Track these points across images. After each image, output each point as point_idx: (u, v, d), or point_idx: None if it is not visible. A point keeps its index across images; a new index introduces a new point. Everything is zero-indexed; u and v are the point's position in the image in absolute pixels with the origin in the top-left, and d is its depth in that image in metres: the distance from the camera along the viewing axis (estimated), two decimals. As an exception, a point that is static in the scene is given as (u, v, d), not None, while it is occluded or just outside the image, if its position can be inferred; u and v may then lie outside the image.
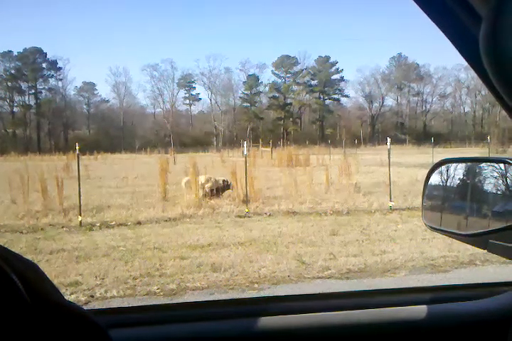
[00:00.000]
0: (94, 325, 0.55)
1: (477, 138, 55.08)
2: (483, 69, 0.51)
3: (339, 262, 5.83)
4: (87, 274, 5.37)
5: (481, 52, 0.48)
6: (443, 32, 0.69)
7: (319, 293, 1.14)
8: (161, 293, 4.77)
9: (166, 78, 70.52)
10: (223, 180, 11.36)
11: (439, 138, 47.71)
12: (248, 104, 71.60)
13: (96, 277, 5.28)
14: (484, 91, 57.53)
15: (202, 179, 11.13)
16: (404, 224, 8.13)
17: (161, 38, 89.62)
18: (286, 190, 11.69)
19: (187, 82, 71.61)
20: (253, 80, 70.92)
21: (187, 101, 73.86)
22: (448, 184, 0.99)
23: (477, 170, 0.94)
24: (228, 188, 11.28)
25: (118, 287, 4.95)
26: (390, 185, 10.29)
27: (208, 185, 11.07)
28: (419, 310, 1.05)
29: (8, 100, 60.76)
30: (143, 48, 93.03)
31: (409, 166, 19.19)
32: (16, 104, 62.44)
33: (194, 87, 72.72)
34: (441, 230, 0.96)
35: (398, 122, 70.82)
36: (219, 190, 11.25)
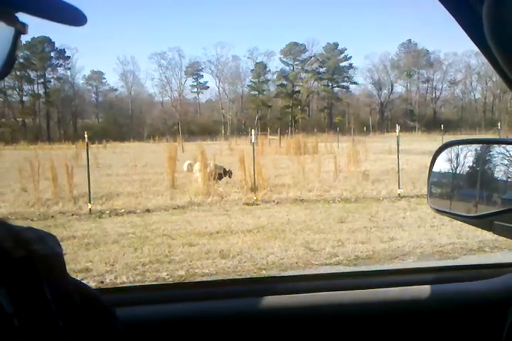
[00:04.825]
0: (101, 303, 0.56)
1: (487, 124, 54.46)
2: (488, 48, 0.50)
3: (347, 249, 5.85)
4: (97, 261, 5.44)
5: (484, 29, 0.48)
6: (448, 11, 0.68)
7: (325, 273, 1.15)
8: (170, 279, 4.82)
9: (174, 66, 70.31)
10: (224, 168, 11.46)
11: (448, 125, 47.18)
12: (256, 92, 71.23)
13: (106, 263, 5.35)
14: (495, 77, 56.67)
15: (197, 165, 11.22)
16: (412, 212, 8.12)
17: (168, 26, 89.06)
18: (295, 177, 11.69)
19: (195, 70, 71.30)
20: (261, 68, 70.43)
21: (195, 90, 73.67)
22: (454, 166, 0.98)
23: (484, 152, 0.93)
24: (228, 174, 11.37)
25: (127, 273, 5.01)
26: (399, 172, 10.25)
27: (208, 170, 11.12)
28: (424, 290, 1.05)
29: (17, 89, 60.99)
30: (150, 36, 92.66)
31: (419, 153, 19.06)
32: (25, 93, 62.71)
33: (202, 75, 72.47)
34: (447, 212, 0.96)
35: (407, 109, 70.11)
36: (221, 175, 11.32)
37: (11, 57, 0.42)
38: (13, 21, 0.40)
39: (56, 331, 0.44)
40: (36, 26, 0.40)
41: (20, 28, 0.41)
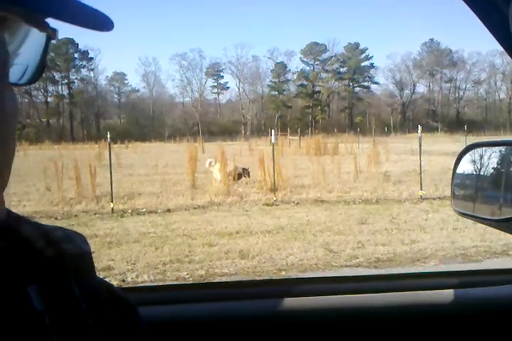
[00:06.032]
0: (124, 301, 0.57)
1: (513, 125, 53.25)
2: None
3: (367, 251, 5.79)
4: (118, 259, 5.52)
5: (511, 30, 0.47)
6: (472, 10, 0.67)
7: (344, 276, 1.15)
8: (191, 279, 4.86)
9: (195, 67, 70.81)
10: (243, 168, 11.53)
11: (472, 126, 46.31)
12: (276, 93, 71.14)
13: (127, 262, 5.43)
14: (521, 76, 55.37)
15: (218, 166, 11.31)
16: (435, 214, 7.99)
17: (190, 27, 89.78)
18: (315, 178, 11.63)
19: (215, 71, 71.66)
20: (281, 68, 70.33)
21: (215, 90, 74.00)
22: (478, 168, 0.97)
23: (508, 153, 0.91)
24: (247, 175, 11.44)
25: (148, 272, 5.07)
26: (421, 173, 10.10)
27: (228, 172, 11.20)
28: (443, 295, 1.04)
29: (42, 90, 62.22)
30: (172, 37, 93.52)
31: (441, 154, 18.77)
32: (49, 94, 63.96)
33: (222, 76, 72.77)
34: (470, 215, 0.94)
35: (430, 110, 69.05)
36: (240, 175, 11.39)
37: (42, 63, 0.43)
38: (44, 27, 0.41)
39: (86, 329, 0.45)
40: (61, 28, 0.42)
41: (51, 34, 0.42)
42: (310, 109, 70.50)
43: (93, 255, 0.52)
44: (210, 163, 11.69)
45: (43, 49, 0.43)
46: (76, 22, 0.39)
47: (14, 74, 0.41)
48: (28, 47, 0.42)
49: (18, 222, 0.46)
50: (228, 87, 74.32)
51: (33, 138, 44.06)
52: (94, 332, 0.45)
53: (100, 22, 0.41)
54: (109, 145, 10.16)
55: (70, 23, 0.38)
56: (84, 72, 66.77)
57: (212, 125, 66.34)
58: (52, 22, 0.41)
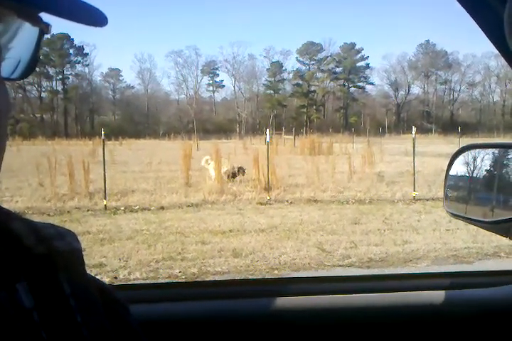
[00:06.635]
0: (115, 299, 0.57)
1: (506, 128, 53.64)
2: (508, 50, 0.50)
3: (360, 251, 5.81)
4: (111, 256, 5.50)
5: (505, 31, 0.47)
6: (467, 12, 0.67)
7: (338, 276, 1.15)
8: (183, 277, 4.85)
9: (190, 65, 70.75)
10: (238, 167, 11.60)
11: (466, 128, 46.57)
12: (271, 92, 71.18)
13: (120, 259, 5.41)
14: (516, 79, 55.68)
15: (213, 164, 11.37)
16: (427, 215, 8.03)
17: (186, 25, 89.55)
18: (309, 177, 11.65)
19: (211, 69, 71.58)
20: (277, 67, 70.36)
21: (210, 88, 73.93)
22: (471, 170, 0.97)
23: (501, 156, 0.92)
24: (242, 174, 11.48)
25: (141, 269, 5.06)
26: (414, 174, 10.14)
27: (224, 170, 11.21)
28: (438, 296, 1.04)
29: (36, 85, 61.85)
30: (168, 34, 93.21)
31: (435, 156, 18.85)
32: (43, 90, 63.60)
33: (218, 74, 72.73)
34: (462, 216, 0.94)
35: (424, 111, 69.34)
36: (235, 174, 11.43)
37: (35, 57, 0.43)
38: (37, 21, 0.41)
39: (74, 326, 0.44)
40: (56, 23, 0.41)
41: (44, 28, 0.42)
42: (305, 109, 70.57)
43: (85, 252, 0.52)
44: (207, 160, 11.71)
45: (35, 43, 0.42)
46: (69, 17, 0.38)
47: (6, 68, 0.41)
48: (21, 41, 0.41)
49: (9, 218, 0.46)
50: (224, 85, 74.36)
51: (27, 133, 43.81)
52: (82, 329, 0.45)
53: (94, 17, 0.41)
54: (103, 141, 10.11)
55: (63, 18, 0.38)
56: (79, 67, 66.56)
57: (207, 123, 66.24)
58: (46, 16, 0.41)
